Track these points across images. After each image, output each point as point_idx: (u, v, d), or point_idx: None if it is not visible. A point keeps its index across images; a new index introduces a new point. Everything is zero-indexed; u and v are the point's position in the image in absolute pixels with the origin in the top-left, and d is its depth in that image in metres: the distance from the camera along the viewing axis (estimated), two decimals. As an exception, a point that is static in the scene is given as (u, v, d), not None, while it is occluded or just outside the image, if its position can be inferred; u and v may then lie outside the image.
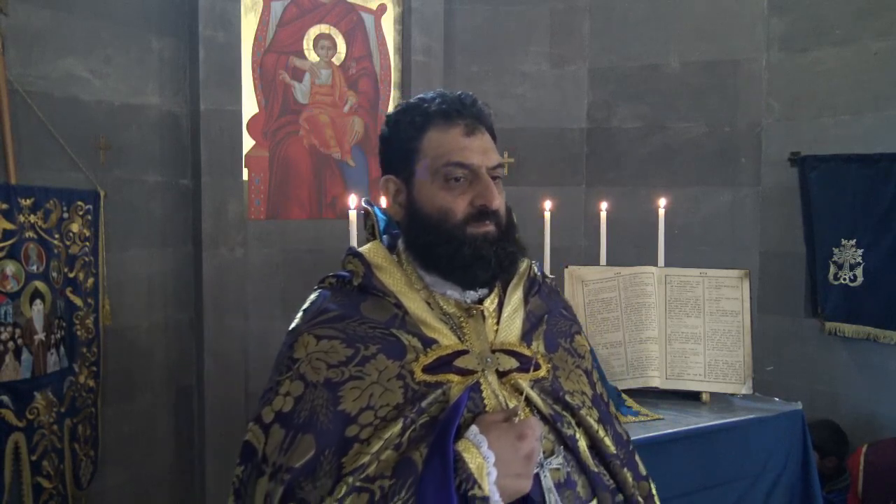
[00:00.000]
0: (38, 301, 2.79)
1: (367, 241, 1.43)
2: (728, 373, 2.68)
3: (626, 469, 1.35)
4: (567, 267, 2.81)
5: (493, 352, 1.29)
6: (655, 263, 2.94)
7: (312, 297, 1.37)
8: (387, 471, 1.13)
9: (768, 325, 3.92)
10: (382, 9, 4.05)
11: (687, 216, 4.05)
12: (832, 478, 3.53)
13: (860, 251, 3.64)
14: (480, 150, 1.26)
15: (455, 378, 1.23)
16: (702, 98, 4.10)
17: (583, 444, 1.30)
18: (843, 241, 3.69)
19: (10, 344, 2.68)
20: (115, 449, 3.30)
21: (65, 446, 2.92)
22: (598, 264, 3.05)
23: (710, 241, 4.09)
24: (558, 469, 1.24)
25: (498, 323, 1.33)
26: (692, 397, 2.69)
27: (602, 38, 4.26)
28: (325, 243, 3.86)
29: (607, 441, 1.34)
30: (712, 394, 2.69)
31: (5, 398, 2.66)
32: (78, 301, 3.00)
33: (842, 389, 3.79)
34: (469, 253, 1.24)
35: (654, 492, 1.41)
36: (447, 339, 1.27)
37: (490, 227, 1.25)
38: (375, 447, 1.14)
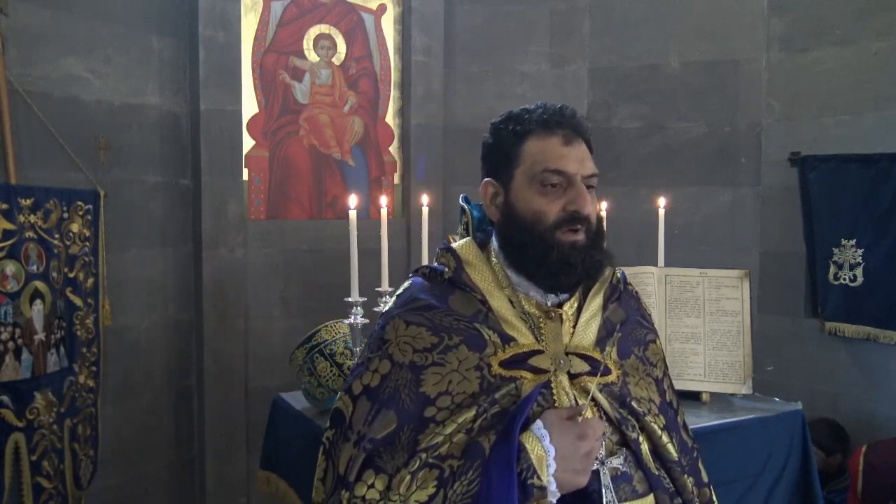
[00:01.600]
0: (38, 301, 2.78)
1: (462, 237, 1.52)
2: (728, 373, 2.68)
3: (686, 475, 1.41)
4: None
5: (567, 354, 1.36)
6: (655, 263, 2.94)
7: (406, 283, 1.46)
8: (457, 452, 1.23)
9: (768, 325, 3.92)
10: (382, 9, 4.05)
11: (687, 216, 4.05)
12: (834, 476, 3.53)
13: (860, 251, 3.64)
14: (577, 159, 1.33)
15: (528, 375, 1.31)
16: (702, 98, 4.10)
17: (645, 447, 1.36)
18: (843, 241, 3.69)
19: (10, 344, 2.68)
20: (115, 449, 3.30)
21: (65, 446, 2.92)
22: (598, 264, 3.04)
23: (710, 241, 4.09)
24: (618, 468, 1.31)
25: (575, 327, 1.40)
26: (692, 397, 2.69)
27: (602, 38, 4.26)
28: (325, 243, 3.86)
29: (670, 447, 1.40)
30: (712, 394, 2.69)
31: (5, 398, 2.65)
32: (78, 301, 3.00)
33: (842, 389, 3.79)
34: (557, 258, 1.31)
35: (714, 499, 1.47)
36: (525, 338, 1.35)
37: (579, 236, 1.32)
38: (449, 429, 1.24)
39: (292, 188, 3.85)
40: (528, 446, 1.21)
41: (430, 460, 1.22)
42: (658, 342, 1.54)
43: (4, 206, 2.68)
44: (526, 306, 1.38)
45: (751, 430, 2.53)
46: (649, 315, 1.59)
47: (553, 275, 1.33)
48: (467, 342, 1.32)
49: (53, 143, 3.01)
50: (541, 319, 1.38)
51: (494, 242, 1.43)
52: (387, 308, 1.43)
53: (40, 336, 2.79)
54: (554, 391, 1.32)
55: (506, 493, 1.16)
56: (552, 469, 1.21)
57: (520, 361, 1.32)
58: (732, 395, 2.70)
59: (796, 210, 3.86)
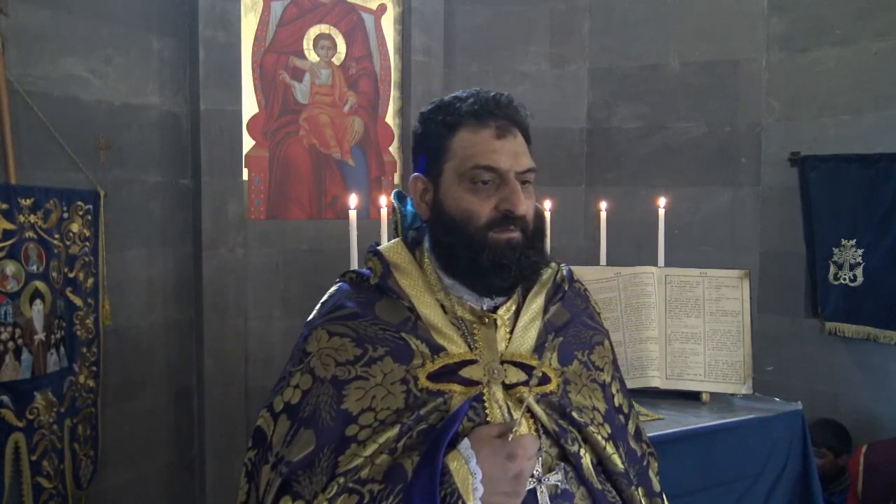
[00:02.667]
0: (38, 301, 2.78)
1: (394, 236, 1.42)
2: (728, 373, 2.68)
3: (634, 487, 1.33)
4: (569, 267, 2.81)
5: (503, 363, 1.27)
6: (655, 263, 2.94)
7: (332, 290, 1.37)
8: (378, 475, 1.14)
9: (768, 325, 3.92)
10: (382, 9, 4.05)
11: (687, 216, 4.05)
12: (837, 477, 3.53)
13: (860, 251, 3.64)
14: (511, 154, 1.24)
15: (458, 388, 1.22)
16: (702, 98, 4.10)
17: (587, 460, 1.27)
18: (843, 241, 3.69)
19: (10, 344, 2.68)
20: (115, 449, 3.29)
21: (65, 446, 2.92)
22: (598, 264, 3.05)
23: (710, 241, 4.09)
24: (557, 485, 1.22)
25: (512, 332, 1.31)
26: (692, 397, 2.69)
27: (602, 38, 4.26)
28: (324, 243, 3.86)
29: (615, 459, 1.31)
30: (712, 394, 2.69)
31: (5, 398, 2.65)
32: (78, 301, 3.00)
33: (842, 389, 3.79)
34: (489, 259, 1.21)
35: None
36: (456, 347, 1.26)
37: (514, 234, 1.22)
38: (370, 450, 1.16)
39: (292, 188, 3.85)
40: (452, 468, 1.12)
41: (350, 485, 1.14)
42: (607, 343, 1.44)
43: (4, 206, 2.68)
44: (459, 311, 1.29)
45: (751, 430, 2.53)
46: (599, 314, 1.49)
47: (485, 277, 1.23)
48: (393, 353, 1.23)
49: (53, 143, 3.01)
50: (474, 325, 1.28)
51: (427, 243, 1.34)
52: (309, 317, 1.33)
53: (40, 336, 2.79)
54: (486, 404, 1.22)
55: None
56: (479, 493, 1.11)
57: (450, 373, 1.23)
58: (732, 395, 2.71)
59: (796, 210, 3.86)
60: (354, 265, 2.57)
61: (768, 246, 4.02)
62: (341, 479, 1.14)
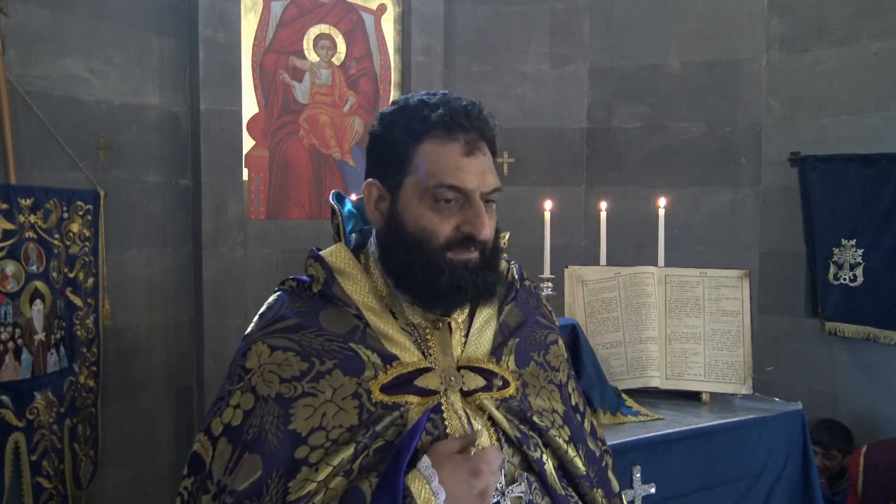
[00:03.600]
0: (38, 301, 2.79)
1: (334, 240, 1.33)
2: (728, 373, 2.68)
3: (595, 489, 1.29)
4: (567, 267, 2.82)
5: (459, 368, 1.21)
6: (655, 263, 2.94)
7: (271, 300, 1.27)
8: (334, 501, 1.07)
9: (768, 325, 3.92)
10: (382, 9, 4.05)
11: (687, 216, 4.05)
12: (841, 476, 3.53)
13: (860, 251, 3.64)
14: (478, 173, 1.15)
15: (414, 399, 1.15)
16: (702, 98, 4.10)
17: (549, 466, 1.23)
18: (843, 241, 3.69)
19: (10, 344, 2.68)
20: (115, 449, 3.30)
21: (65, 446, 2.92)
22: (598, 264, 3.05)
23: (710, 241, 4.09)
24: (520, 497, 1.17)
25: (467, 336, 1.25)
26: (692, 397, 2.69)
27: (602, 38, 4.26)
28: (324, 243, 3.84)
29: (577, 461, 1.27)
30: (712, 394, 2.69)
31: (5, 398, 2.66)
32: (78, 301, 3.00)
33: (842, 389, 3.79)
34: (446, 282, 1.15)
35: None
36: (409, 355, 1.18)
37: (472, 255, 1.16)
38: (323, 474, 1.08)
39: (292, 188, 3.85)
40: (413, 490, 1.04)
41: None
42: (561, 342, 1.38)
43: (4, 206, 2.68)
44: (410, 316, 1.21)
45: (751, 430, 2.53)
46: (550, 312, 1.43)
47: (441, 299, 1.16)
48: (342, 366, 1.14)
49: (53, 143, 3.01)
50: (427, 331, 1.21)
51: (373, 248, 1.25)
52: (248, 330, 1.22)
53: (40, 336, 2.79)
54: (445, 415, 1.15)
55: None
56: None
57: (405, 383, 1.15)
58: (732, 395, 2.70)
59: (796, 210, 3.86)
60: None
61: (768, 246, 4.02)
62: None
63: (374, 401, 1.13)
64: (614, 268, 2.81)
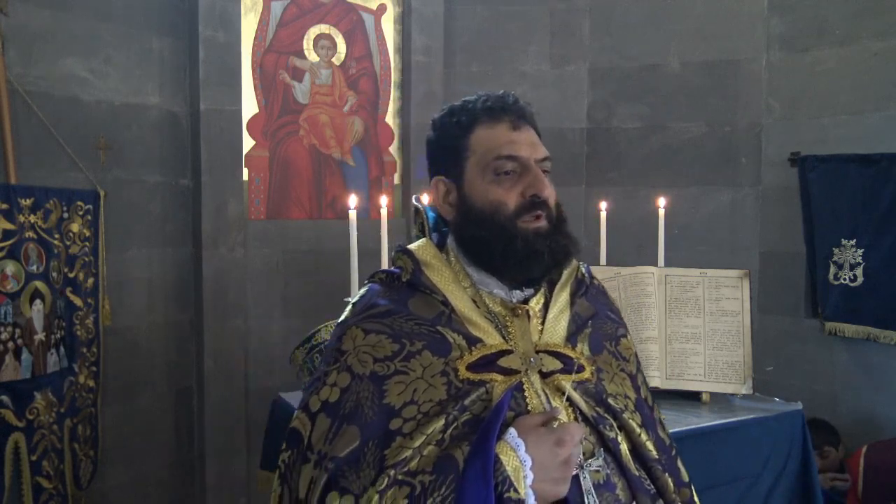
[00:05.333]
0: (38, 301, 2.79)
1: (417, 237, 1.45)
2: (728, 373, 2.67)
3: (667, 474, 1.35)
4: (567, 267, 2.81)
5: (538, 352, 1.29)
6: (655, 263, 2.94)
7: (362, 291, 1.38)
8: (428, 466, 1.15)
9: (768, 325, 3.92)
10: (382, 9, 4.05)
11: (687, 216, 4.05)
12: (842, 473, 3.53)
13: (860, 251, 3.64)
14: (528, 143, 1.29)
15: (498, 377, 1.24)
16: (702, 98, 4.10)
17: (624, 447, 1.30)
18: (843, 241, 3.69)
19: (10, 344, 2.68)
20: (115, 449, 3.30)
21: (65, 446, 2.92)
22: (598, 264, 3.05)
23: (710, 241, 4.09)
24: (598, 471, 1.24)
25: (543, 323, 1.33)
26: (692, 397, 2.69)
27: (602, 38, 4.26)
28: (324, 243, 3.86)
29: (649, 445, 1.34)
30: (712, 394, 2.69)
31: (5, 398, 2.66)
32: (78, 301, 3.00)
33: (842, 389, 3.79)
34: (522, 247, 1.25)
35: (695, 499, 1.42)
36: (492, 339, 1.28)
37: (542, 223, 1.27)
38: (418, 442, 1.16)
39: (292, 188, 3.85)
40: (503, 458, 1.13)
41: (400, 477, 1.13)
42: (629, 337, 1.48)
43: (4, 206, 2.68)
44: (490, 305, 1.32)
45: (751, 430, 2.52)
46: (618, 310, 1.53)
47: (520, 265, 1.26)
48: (430, 347, 1.24)
49: (53, 143, 3.01)
50: (507, 318, 1.31)
51: (451, 242, 1.37)
52: (341, 318, 1.34)
53: (40, 336, 2.79)
54: (526, 393, 1.24)
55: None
56: (529, 480, 1.13)
57: (488, 363, 1.25)
58: (732, 395, 2.70)
59: (796, 210, 3.86)
60: (354, 265, 2.57)
61: (768, 246, 4.02)
62: (391, 472, 1.14)
63: (460, 378, 1.22)
64: (614, 268, 2.81)
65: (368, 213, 3.95)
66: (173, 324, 3.56)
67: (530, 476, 1.13)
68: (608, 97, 4.27)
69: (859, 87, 3.67)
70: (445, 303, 1.29)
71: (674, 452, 1.43)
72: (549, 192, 1.28)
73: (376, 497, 1.11)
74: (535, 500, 1.14)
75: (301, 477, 1.19)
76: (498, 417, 1.16)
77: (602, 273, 2.80)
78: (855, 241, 3.66)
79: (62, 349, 2.91)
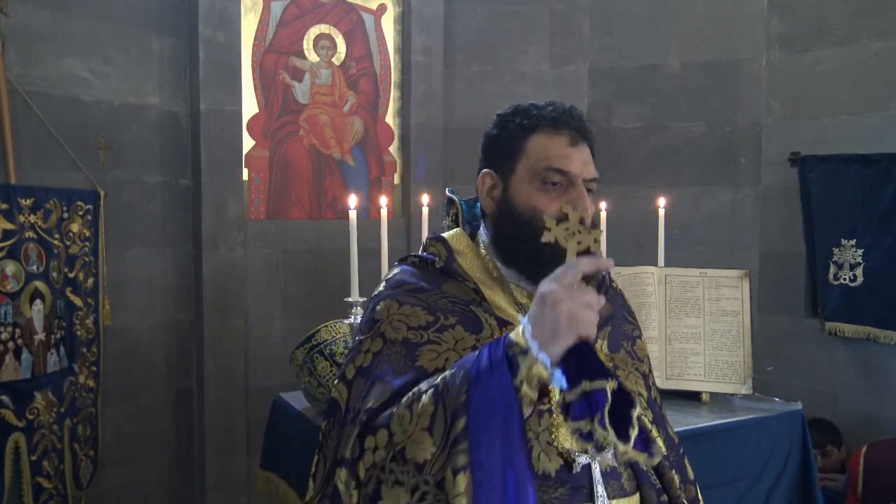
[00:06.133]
0: (38, 301, 2.79)
1: (449, 228, 1.49)
2: (728, 373, 2.67)
3: (674, 471, 1.40)
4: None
5: None
6: (655, 263, 2.94)
7: (394, 271, 1.41)
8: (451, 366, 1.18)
9: (768, 325, 3.92)
10: (382, 9, 4.05)
11: (687, 216, 4.05)
12: (842, 472, 3.52)
13: (860, 251, 3.64)
14: (581, 161, 1.31)
15: None
16: (702, 98, 4.09)
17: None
18: (843, 241, 3.69)
19: (10, 344, 2.68)
20: (115, 449, 3.30)
21: (65, 446, 2.92)
22: (598, 264, 3.04)
23: (710, 241, 4.09)
24: (609, 461, 1.26)
25: None
26: (692, 397, 2.69)
27: (602, 38, 4.26)
28: (324, 243, 3.86)
29: (659, 442, 1.37)
30: (712, 394, 2.69)
31: (5, 398, 2.65)
32: (78, 301, 3.00)
33: (842, 389, 3.79)
34: (550, 254, 1.24)
35: (699, 497, 1.46)
36: None
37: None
38: (444, 347, 1.23)
39: (292, 188, 3.85)
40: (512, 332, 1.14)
41: (424, 387, 1.15)
42: (644, 339, 1.54)
43: (4, 206, 2.68)
44: (518, 297, 1.36)
45: (751, 430, 2.52)
46: (633, 312, 1.59)
47: (543, 269, 1.20)
48: (463, 323, 1.29)
49: (53, 143, 3.01)
50: None
51: (483, 235, 1.41)
52: (376, 292, 1.38)
53: (40, 336, 2.79)
54: None
55: (494, 363, 1.09)
56: (529, 330, 1.08)
57: None
58: (732, 395, 2.70)
59: (796, 210, 3.86)
60: (354, 265, 2.57)
61: (768, 246, 4.02)
62: (417, 388, 1.17)
63: None
64: (614, 268, 2.81)
65: (368, 213, 3.95)
66: (173, 324, 3.56)
67: (529, 327, 1.08)
68: (608, 97, 4.27)
69: (859, 87, 3.67)
70: (477, 290, 1.34)
71: (682, 450, 1.48)
72: (591, 211, 1.28)
73: (406, 412, 1.13)
74: (539, 350, 1.06)
75: (340, 437, 1.21)
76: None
77: (602, 273, 2.80)
78: (855, 241, 3.66)
79: (62, 349, 2.91)
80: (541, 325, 1.06)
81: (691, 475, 1.47)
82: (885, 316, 3.55)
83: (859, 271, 3.64)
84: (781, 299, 3.96)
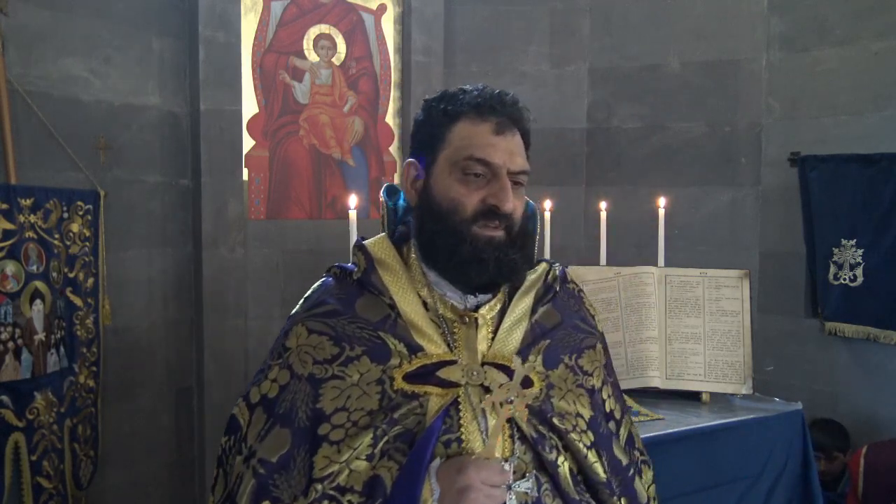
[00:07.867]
0: (38, 301, 2.78)
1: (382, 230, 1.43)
2: (728, 373, 2.68)
3: (616, 497, 1.29)
4: (567, 267, 2.81)
5: (484, 364, 1.23)
6: (655, 263, 2.94)
7: (316, 284, 1.38)
8: (357, 485, 1.14)
9: (768, 325, 3.92)
10: (382, 9, 4.05)
11: (687, 216, 4.05)
12: (842, 476, 3.52)
13: (860, 251, 3.64)
14: (506, 151, 1.22)
15: (435, 390, 1.20)
16: (702, 98, 4.10)
17: (565, 469, 1.24)
18: (843, 241, 3.69)
19: (10, 344, 2.68)
20: (115, 449, 3.30)
21: (65, 446, 2.92)
22: (598, 264, 3.05)
23: (710, 241, 4.09)
24: (527, 493, 1.19)
25: (495, 333, 1.27)
26: (692, 397, 2.69)
27: (602, 38, 4.26)
28: (324, 243, 3.86)
29: (597, 467, 1.27)
30: (712, 394, 2.69)
31: (5, 398, 2.65)
32: (78, 301, 3.00)
33: (842, 389, 3.79)
34: (468, 252, 1.20)
35: None
36: (435, 347, 1.23)
37: (498, 232, 1.21)
38: (345, 456, 1.15)
39: (292, 188, 3.85)
40: (426, 485, 1.13)
41: (329, 492, 1.13)
42: (599, 347, 1.39)
43: (4, 206, 2.67)
44: (442, 309, 1.26)
45: (751, 430, 2.53)
46: (593, 317, 1.44)
47: (463, 269, 1.21)
48: (370, 353, 1.21)
49: (53, 143, 3.01)
50: (455, 325, 1.25)
51: (413, 237, 1.32)
52: (294, 310, 1.33)
53: (40, 336, 2.79)
54: (461, 408, 1.19)
55: None
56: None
57: (427, 374, 1.20)
58: (732, 395, 2.70)
59: (796, 210, 3.86)
60: (354, 265, 2.57)
61: (768, 246, 4.02)
62: (319, 486, 1.13)
63: (395, 388, 1.19)
64: (614, 268, 2.81)
65: (368, 213, 3.95)
66: (173, 324, 3.56)
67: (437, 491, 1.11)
68: (608, 97, 4.27)
69: (859, 87, 3.67)
70: (393, 306, 1.26)
71: (631, 472, 1.36)
72: (512, 206, 1.21)
73: None
74: None
75: (234, 468, 1.21)
76: (428, 444, 1.14)
77: (602, 273, 2.81)
78: (855, 241, 3.65)
79: (62, 349, 2.91)
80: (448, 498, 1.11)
81: (643, 497, 1.36)
82: (885, 316, 3.55)
83: (859, 271, 3.64)
84: (781, 299, 3.96)
